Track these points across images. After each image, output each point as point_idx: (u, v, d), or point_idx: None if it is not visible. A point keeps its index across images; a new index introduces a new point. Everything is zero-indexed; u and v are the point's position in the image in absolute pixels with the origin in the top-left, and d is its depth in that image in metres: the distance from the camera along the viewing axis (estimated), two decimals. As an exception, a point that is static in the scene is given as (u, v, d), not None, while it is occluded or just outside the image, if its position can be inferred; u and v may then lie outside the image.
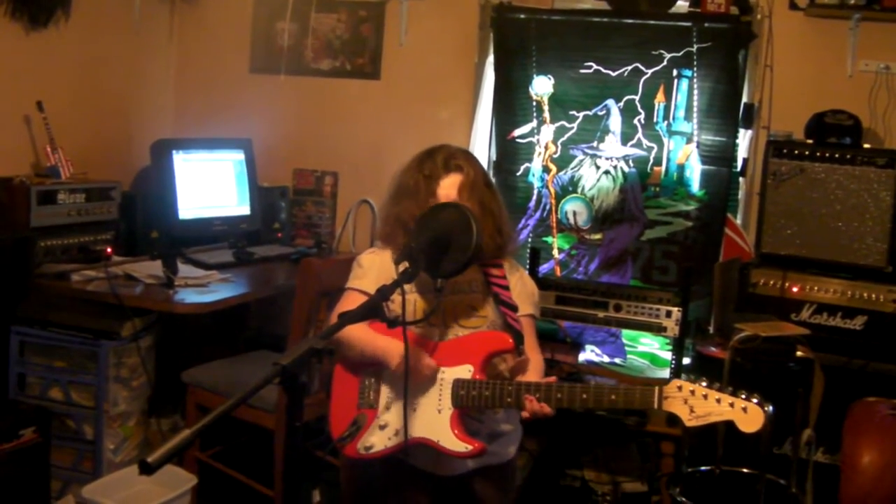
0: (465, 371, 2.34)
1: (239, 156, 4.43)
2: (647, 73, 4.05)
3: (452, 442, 2.30)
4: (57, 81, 4.05)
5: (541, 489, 3.84)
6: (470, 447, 2.29)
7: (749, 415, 2.03)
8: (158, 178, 4.12)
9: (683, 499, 3.35)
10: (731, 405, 2.04)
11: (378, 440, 2.35)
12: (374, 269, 2.49)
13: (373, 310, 2.04)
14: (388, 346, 2.36)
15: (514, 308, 2.48)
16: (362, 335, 2.40)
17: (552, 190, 4.25)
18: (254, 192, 4.45)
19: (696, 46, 3.95)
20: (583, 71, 4.13)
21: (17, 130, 3.87)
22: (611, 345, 4.16)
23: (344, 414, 2.40)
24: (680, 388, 2.09)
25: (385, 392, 2.39)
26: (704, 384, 2.08)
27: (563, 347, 4.09)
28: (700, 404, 2.07)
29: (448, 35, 4.43)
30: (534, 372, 2.42)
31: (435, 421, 2.32)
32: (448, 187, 2.44)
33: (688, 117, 4.03)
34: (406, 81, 4.54)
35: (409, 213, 2.43)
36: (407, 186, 2.48)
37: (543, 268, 4.16)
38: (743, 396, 2.04)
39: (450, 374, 2.34)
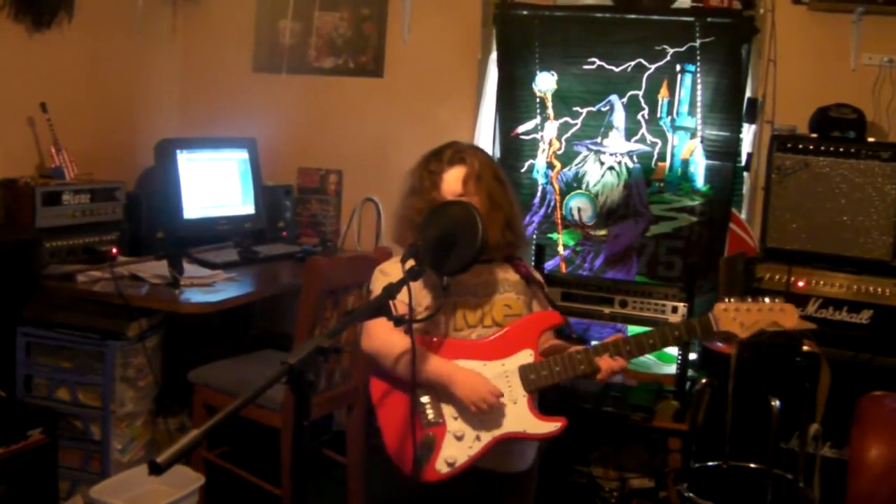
0: (527, 356, 2.35)
1: (243, 155, 4.42)
2: (650, 69, 4.04)
3: (539, 426, 2.32)
4: (60, 82, 4.05)
5: (548, 486, 3.84)
6: (558, 423, 2.31)
7: (786, 312, 2.27)
8: (163, 178, 4.12)
9: (691, 494, 3.35)
10: (771, 309, 2.27)
11: (459, 452, 2.29)
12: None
13: (379, 308, 2.05)
14: (449, 370, 2.30)
15: (542, 285, 2.53)
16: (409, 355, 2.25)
17: (556, 186, 4.25)
18: (258, 191, 4.45)
19: (699, 41, 3.94)
20: (586, 67, 4.13)
21: (22, 132, 3.87)
22: (616, 341, 4.16)
23: (401, 435, 2.30)
24: (726, 309, 2.28)
25: (448, 404, 2.33)
26: (739, 300, 2.29)
27: (568, 343, 4.08)
28: (746, 317, 2.27)
29: (451, 32, 4.43)
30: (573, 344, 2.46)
31: (514, 412, 2.31)
32: (452, 181, 2.41)
33: (691, 112, 4.03)
34: (409, 79, 4.54)
35: (415, 210, 2.41)
36: (413, 184, 2.48)
37: (548, 264, 4.15)
38: (776, 300, 2.28)
39: (512, 363, 2.34)
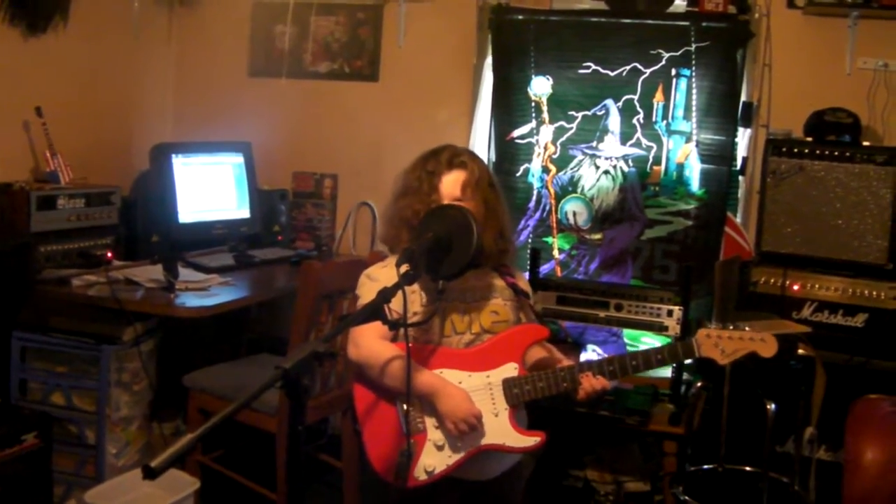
0: (511, 369, 2.36)
1: (238, 159, 4.42)
2: (645, 73, 4.05)
3: (519, 440, 2.33)
4: (56, 86, 4.05)
5: (543, 489, 3.84)
6: (537, 438, 2.34)
7: (767, 343, 2.33)
8: (158, 182, 4.11)
9: (686, 497, 3.35)
10: (752, 339, 2.33)
11: (438, 461, 2.30)
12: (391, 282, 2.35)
13: (374, 312, 2.04)
14: (435, 385, 2.31)
15: (528, 295, 2.53)
16: (402, 367, 2.24)
17: (552, 190, 4.25)
18: (253, 196, 4.44)
19: (694, 46, 3.95)
20: (581, 71, 4.13)
21: (17, 136, 3.87)
22: (612, 344, 4.16)
23: (385, 444, 2.30)
24: (709, 335, 2.36)
25: (430, 413, 2.33)
26: (720, 327, 2.38)
27: (564, 347, 4.06)
28: (728, 344, 2.34)
29: (446, 36, 4.43)
30: (564, 357, 2.47)
31: (495, 425, 2.32)
32: (451, 184, 2.41)
33: (687, 116, 4.03)
34: (404, 83, 4.54)
35: (412, 210, 2.41)
36: (409, 184, 2.47)
37: (544, 268, 4.16)
38: (758, 330, 2.35)
39: (496, 376, 2.35)
